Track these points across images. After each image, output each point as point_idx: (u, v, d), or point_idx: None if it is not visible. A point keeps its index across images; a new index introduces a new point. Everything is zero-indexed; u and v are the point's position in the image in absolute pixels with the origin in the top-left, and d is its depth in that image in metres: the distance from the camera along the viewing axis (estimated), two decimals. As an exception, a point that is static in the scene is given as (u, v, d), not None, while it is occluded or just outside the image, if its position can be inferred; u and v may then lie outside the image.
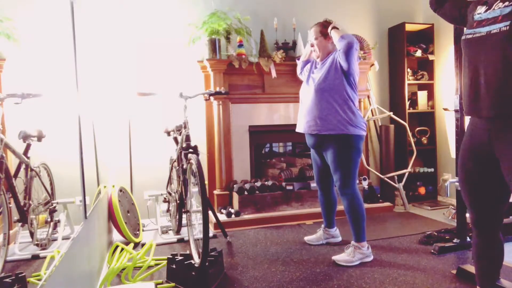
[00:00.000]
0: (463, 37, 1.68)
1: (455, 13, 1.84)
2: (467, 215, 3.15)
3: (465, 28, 1.72)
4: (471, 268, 2.33)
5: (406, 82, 4.45)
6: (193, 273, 2.30)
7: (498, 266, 1.82)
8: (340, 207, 3.09)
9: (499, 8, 1.53)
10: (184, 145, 2.73)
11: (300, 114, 2.91)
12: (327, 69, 2.71)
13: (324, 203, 3.06)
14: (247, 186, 3.76)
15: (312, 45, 2.86)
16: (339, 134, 2.65)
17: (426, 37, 4.59)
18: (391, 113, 4.40)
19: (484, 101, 1.58)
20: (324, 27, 2.79)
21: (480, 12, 1.63)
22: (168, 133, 3.40)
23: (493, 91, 1.54)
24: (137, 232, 3.26)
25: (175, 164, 3.21)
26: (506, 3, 1.51)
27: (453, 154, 4.00)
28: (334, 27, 2.71)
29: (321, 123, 2.69)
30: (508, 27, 1.46)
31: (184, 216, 3.05)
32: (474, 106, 1.62)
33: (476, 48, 1.60)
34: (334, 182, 2.85)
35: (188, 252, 2.52)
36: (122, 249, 2.70)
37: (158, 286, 2.34)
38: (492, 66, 1.53)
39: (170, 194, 3.47)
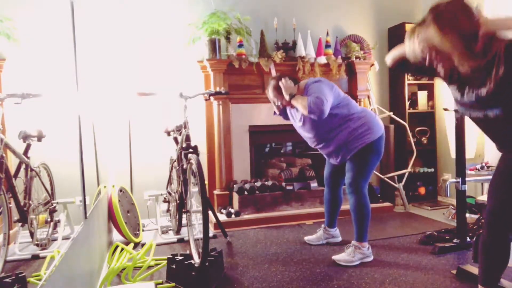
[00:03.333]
0: (457, 109, 1.94)
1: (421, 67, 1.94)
2: (468, 215, 3.15)
3: (453, 100, 1.92)
4: (471, 268, 2.33)
5: (406, 82, 4.45)
6: (193, 273, 2.30)
7: (505, 267, 1.83)
8: (343, 207, 3.10)
9: (472, 96, 1.73)
10: (184, 145, 2.73)
11: (322, 153, 2.93)
12: (310, 120, 2.69)
13: (330, 201, 3.05)
14: (247, 186, 3.76)
15: (282, 105, 2.83)
16: (362, 147, 2.68)
17: (426, 37, 4.59)
18: (391, 113, 4.40)
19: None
20: (277, 88, 2.75)
21: (456, 95, 1.84)
22: (168, 133, 3.40)
23: (504, 142, 1.81)
24: (137, 232, 3.26)
25: (175, 164, 3.21)
26: (477, 93, 1.70)
27: (453, 154, 3.99)
28: (291, 96, 2.66)
29: (346, 152, 2.72)
30: (502, 113, 1.66)
31: (184, 216, 3.05)
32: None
33: (477, 121, 1.83)
34: (343, 181, 2.86)
35: (188, 252, 2.52)
36: (122, 249, 2.70)
37: (158, 286, 2.34)
38: (497, 129, 1.79)
39: (170, 194, 3.47)
